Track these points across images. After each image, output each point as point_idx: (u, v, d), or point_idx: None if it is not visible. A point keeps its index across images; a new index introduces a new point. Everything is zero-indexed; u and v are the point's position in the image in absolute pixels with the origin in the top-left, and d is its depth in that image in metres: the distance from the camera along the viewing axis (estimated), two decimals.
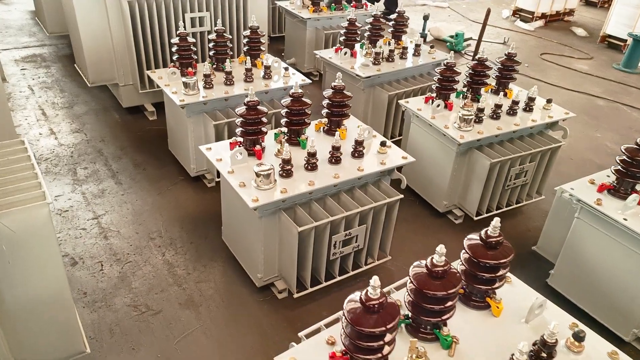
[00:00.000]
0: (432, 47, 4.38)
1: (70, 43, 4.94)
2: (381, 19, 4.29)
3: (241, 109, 2.64)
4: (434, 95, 3.44)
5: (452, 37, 6.81)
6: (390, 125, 4.13)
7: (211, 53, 3.68)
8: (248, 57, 3.61)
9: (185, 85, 3.30)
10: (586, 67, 6.62)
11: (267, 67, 3.62)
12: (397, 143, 4.07)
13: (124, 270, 2.89)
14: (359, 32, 4.20)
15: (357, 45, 4.28)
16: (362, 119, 4.09)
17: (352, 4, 5.49)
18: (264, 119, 2.67)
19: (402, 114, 4.14)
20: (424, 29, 7.00)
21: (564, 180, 2.88)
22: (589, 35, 7.85)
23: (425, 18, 6.91)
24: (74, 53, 4.66)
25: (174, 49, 3.52)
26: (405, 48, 4.21)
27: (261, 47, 3.81)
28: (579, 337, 1.70)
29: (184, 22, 4.10)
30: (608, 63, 6.83)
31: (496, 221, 1.67)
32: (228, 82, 3.49)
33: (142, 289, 2.78)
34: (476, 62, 3.45)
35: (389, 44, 4.43)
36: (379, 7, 5.22)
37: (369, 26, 4.29)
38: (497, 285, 1.84)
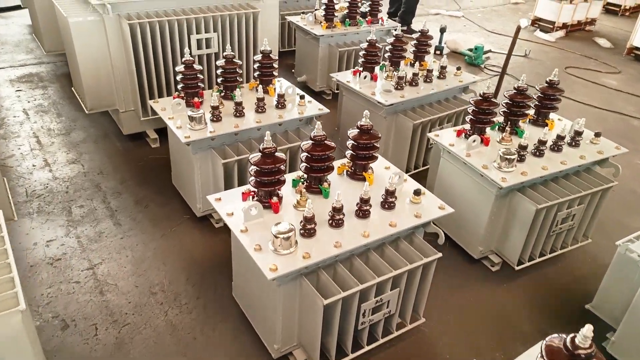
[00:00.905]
0: (458, 68, 4.03)
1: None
2: (403, 39, 3.93)
3: (256, 157, 2.29)
4: (468, 128, 3.08)
5: (470, 50, 6.45)
6: (414, 155, 3.78)
7: (219, 80, 3.34)
8: (260, 85, 3.27)
9: (191, 119, 2.96)
10: (615, 82, 6.24)
11: (280, 96, 3.27)
12: (423, 174, 3.75)
13: (121, 335, 2.54)
14: (379, 55, 3.85)
15: (376, 67, 3.93)
16: (383, 148, 3.74)
17: (367, 19, 5.14)
18: (282, 167, 2.31)
19: (428, 141, 3.79)
20: (440, 42, 6.64)
21: (610, 218, 2.52)
22: (613, 46, 7.47)
23: (442, 30, 6.56)
24: (71, 77, 4.33)
25: (178, 77, 3.18)
26: (430, 71, 3.85)
27: (273, 73, 3.47)
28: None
29: (189, 47, 3.76)
30: (637, 78, 6.45)
31: (587, 330, 1.31)
32: (238, 114, 3.14)
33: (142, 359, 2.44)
34: (515, 91, 3.08)
35: (411, 64, 4.09)
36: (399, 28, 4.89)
37: (390, 47, 3.94)
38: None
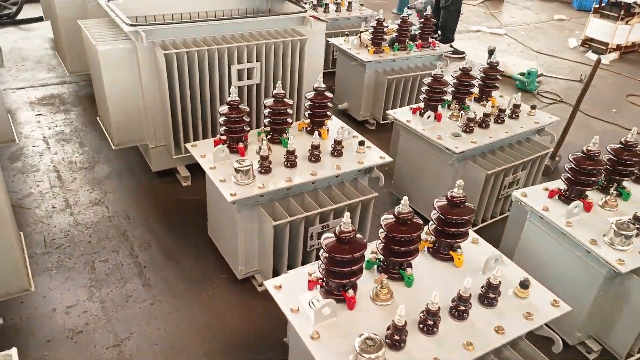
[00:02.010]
0: (533, 107, 3.54)
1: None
2: (471, 73, 3.46)
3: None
4: (564, 188, 2.60)
5: (522, 74, 5.95)
6: (484, 205, 3.30)
7: (266, 121, 2.91)
8: (315, 131, 2.84)
9: (237, 171, 2.53)
10: None
11: (337, 143, 2.83)
12: (493, 229, 3.29)
13: None
14: (446, 91, 3.39)
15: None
16: None
17: (417, 43, 4.68)
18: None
19: (500, 190, 3.31)
20: None
21: None
22: None
23: (491, 52, 5.99)
24: (96, 102, 3.94)
25: (221, 119, 2.75)
26: (502, 110, 3.37)
27: (327, 113, 3.03)
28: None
29: (229, 78, 3.35)
30: None
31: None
32: (289, 164, 2.70)
33: None
34: (622, 146, 2.60)
35: (477, 100, 3.62)
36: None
37: (455, 81, 3.47)
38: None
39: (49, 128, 4.33)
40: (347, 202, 2.71)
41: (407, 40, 4.62)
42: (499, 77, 3.59)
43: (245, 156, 2.76)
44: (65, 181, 3.68)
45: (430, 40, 4.75)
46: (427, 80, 3.37)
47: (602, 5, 7.23)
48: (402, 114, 3.43)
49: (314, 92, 2.96)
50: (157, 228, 3.30)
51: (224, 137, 2.81)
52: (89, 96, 4.76)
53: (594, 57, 7.10)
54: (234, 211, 2.60)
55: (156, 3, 3.75)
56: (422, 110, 3.38)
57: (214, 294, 2.85)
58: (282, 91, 2.84)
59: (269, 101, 2.85)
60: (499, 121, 3.38)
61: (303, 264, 2.80)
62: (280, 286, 1.96)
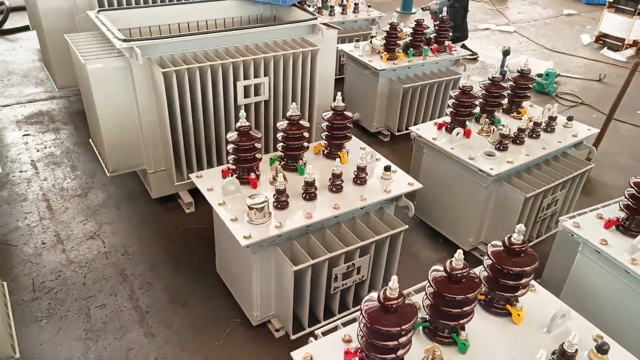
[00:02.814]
0: (570, 119, 3.22)
1: None
2: (502, 83, 3.14)
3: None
4: (623, 218, 2.28)
5: (540, 75, 5.63)
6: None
7: (280, 146, 2.58)
8: (336, 158, 2.52)
9: (251, 208, 2.20)
10: None
11: (361, 170, 2.50)
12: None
13: None
14: (475, 104, 3.06)
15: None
16: (478, 223, 2.96)
17: (432, 47, 4.35)
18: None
19: (538, 212, 2.99)
20: (502, 66, 5.83)
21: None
22: None
23: (506, 53, 5.73)
24: (88, 124, 3.61)
25: (230, 147, 2.42)
26: (537, 124, 3.05)
27: (347, 134, 2.70)
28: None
29: (235, 95, 3.03)
30: None
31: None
32: (308, 197, 2.38)
33: None
34: None
35: (505, 111, 3.31)
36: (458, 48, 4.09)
37: (484, 92, 3.15)
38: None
39: (38, 150, 3.99)
40: (374, 239, 2.38)
41: (422, 44, 4.29)
42: (531, 86, 3.26)
43: (258, 188, 2.44)
44: (56, 211, 3.35)
45: (447, 43, 4.42)
46: (455, 92, 3.04)
47: None
48: (426, 131, 3.10)
49: (332, 112, 2.64)
50: (159, 264, 2.97)
51: (232, 167, 2.48)
52: (81, 112, 4.40)
53: (610, 53, 6.82)
54: (248, 253, 2.27)
55: (151, 13, 3.41)
56: (449, 126, 3.06)
57: (225, 342, 2.53)
58: (298, 113, 2.52)
59: (283, 124, 2.53)
60: (534, 135, 3.06)
61: (326, 307, 2.50)
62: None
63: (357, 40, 4.40)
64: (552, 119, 3.12)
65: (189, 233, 3.23)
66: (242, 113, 2.39)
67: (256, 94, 3.16)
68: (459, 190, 3.00)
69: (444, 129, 3.10)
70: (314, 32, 3.35)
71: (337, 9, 5.26)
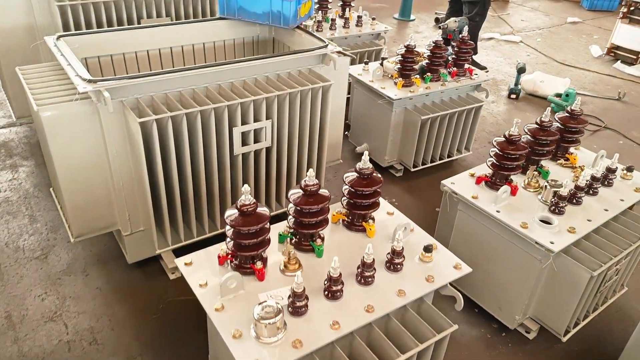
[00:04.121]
0: (630, 169, 2.72)
1: None
2: (552, 129, 2.62)
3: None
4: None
5: (558, 95, 5.15)
6: (580, 310, 2.47)
7: (291, 222, 2.02)
8: (352, 219, 1.96)
9: (262, 318, 1.64)
10: None
11: (396, 254, 1.95)
12: (589, 329, 2.46)
13: None
14: (524, 156, 2.53)
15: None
16: (528, 299, 2.44)
17: (450, 71, 3.82)
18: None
19: (601, 285, 2.48)
20: (516, 84, 5.35)
21: None
22: None
23: (521, 71, 5.27)
24: (48, 173, 2.99)
25: (229, 231, 1.85)
26: (596, 179, 2.54)
27: (378, 201, 2.15)
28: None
29: (230, 143, 2.46)
30: None
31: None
32: (331, 295, 1.82)
33: None
34: None
35: (557, 159, 2.79)
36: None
37: (530, 138, 2.62)
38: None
39: None
40: (417, 349, 1.83)
41: (441, 69, 3.75)
42: (583, 130, 2.75)
43: (265, 279, 1.88)
44: (8, 281, 2.72)
45: (466, 66, 3.89)
46: (499, 141, 2.50)
47: (631, 9, 6.47)
48: (462, 185, 2.56)
49: (357, 176, 2.08)
50: (138, 356, 2.38)
51: (233, 256, 1.91)
52: None
53: (624, 67, 6.40)
54: None
55: (127, 37, 2.81)
56: (491, 180, 2.52)
57: None
58: (315, 181, 1.95)
59: (295, 195, 1.96)
60: (591, 192, 2.55)
61: None
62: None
63: (367, 63, 3.84)
64: (610, 171, 2.61)
65: (174, 308, 2.64)
66: (246, 188, 1.81)
67: (256, 140, 2.58)
68: (505, 260, 2.47)
69: (483, 183, 2.57)
70: (324, 61, 2.79)
71: (339, 22, 4.69)
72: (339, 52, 2.82)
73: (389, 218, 2.27)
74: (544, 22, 8.22)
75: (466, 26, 3.98)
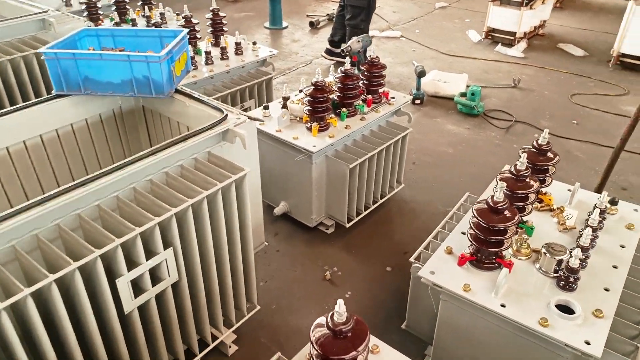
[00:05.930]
0: (613, 202, 2.31)
1: None
2: (529, 180, 2.10)
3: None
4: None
5: (463, 94, 4.84)
6: None
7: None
8: None
9: None
10: (631, 107, 5.07)
11: None
12: None
13: None
14: (512, 228, 1.97)
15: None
16: None
17: (365, 99, 3.22)
18: None
19: None
20: (418, 88, 4.95)
21: None
22: (587, 54, 6.39)
23: (421, 74, 4.86)
24: None
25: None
26: (594, 229, 2.07)
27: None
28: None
29: (117, 300, 1.60)
30: None
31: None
32: None
33: None
34: None
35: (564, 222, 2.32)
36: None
37: (508, 191, 2.08)
38: None
39: None
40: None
41: (355, 100, 3.13)
42: (554, 168, 2.29)
43: None
44: None
45: (381, 90, 3.32)
46: (477, 208, 1.93)
47: None
48: (446, 274, 1.94)
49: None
50: None
51: None
52: None
53: (505, 50, 6.37)
54: None
55: None
56: (477, 259, 1.95)
57: None
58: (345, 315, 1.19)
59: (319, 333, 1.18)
60: (591, 246, 2.09)
61: None
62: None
63: (266, 107, 3.09)
64: (601, 212, 2.17)
65: None
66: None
67: (155, 281, 1.72)
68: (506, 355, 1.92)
69: (468, 264, 1.99)
70: (225, 138, 1.99)
71: (215, 53, 3.84)
72: (254, 119, 2.04)
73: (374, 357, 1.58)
74: (415, 12, 8.04)
75: (368, 44, 3.40)
